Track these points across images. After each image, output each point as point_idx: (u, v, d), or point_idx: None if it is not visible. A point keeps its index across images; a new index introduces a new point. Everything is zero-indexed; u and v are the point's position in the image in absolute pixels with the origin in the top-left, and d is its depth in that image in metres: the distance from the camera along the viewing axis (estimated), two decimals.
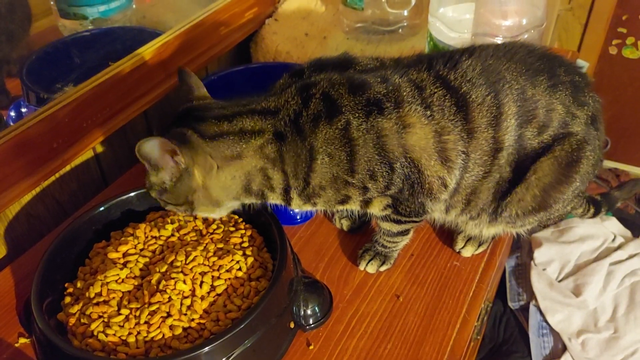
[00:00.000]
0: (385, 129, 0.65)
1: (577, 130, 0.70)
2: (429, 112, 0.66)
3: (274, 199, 0.71)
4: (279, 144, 0.66)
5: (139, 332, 0.64)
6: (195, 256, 0.71)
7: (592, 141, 0.71)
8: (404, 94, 0.66)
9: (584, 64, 1.76)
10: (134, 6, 1.16)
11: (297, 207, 0.72)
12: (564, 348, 1.20)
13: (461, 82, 0.67)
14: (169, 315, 0.65)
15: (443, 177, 0.68)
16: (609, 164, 1.93)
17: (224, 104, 0.70)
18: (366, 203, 0.72)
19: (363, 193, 0.69)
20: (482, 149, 0.68)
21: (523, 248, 1.36)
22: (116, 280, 0.69)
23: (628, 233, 1.37)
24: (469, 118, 0.66)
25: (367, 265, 0.80)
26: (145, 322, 0.64)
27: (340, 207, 0.73)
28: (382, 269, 0.80)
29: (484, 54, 0.70)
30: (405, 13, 1.22)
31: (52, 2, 1.08)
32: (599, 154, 0.74)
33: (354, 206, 0.73)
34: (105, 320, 0.65)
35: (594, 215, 0.97)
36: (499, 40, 0.97)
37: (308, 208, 0.73)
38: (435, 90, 0.67)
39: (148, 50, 0.99)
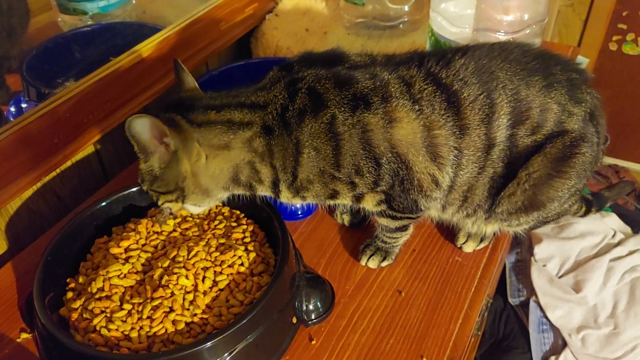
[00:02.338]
0: (371, 124, 0.65)
1: (574, 127, 0.70)
2: (417, 107, 0.66)
3: (263, 191, 0.72)
4: (268, 138, 0.67)
5: (141, 327, 0.64)
6: (198, 251, 0.71)
7: (590, 138, 0.71)
8: (392, 89, 0.66)
9: (584, 60, 1.76)
10: (133, 1, 1.16)
11: (287, 199, 0.72)
12: (564, 344, 1.20)
13: (453, 80, 0.67)
14: (171, 310, 0.65)
15: (433, 174, 0.68)
16: (608, 160, 1.93)
17: (213, 95, 0.71)
18: (358, 198, 0.72)
19: (351, 189, 0.69)
20: (475, 145, 0.68)
21: (523, 244, 1.36)
22: (118, 276, 0.69)
23: (628, 229, 1.37)
24: (461, 115, 0.66)
25: (368, 260, 0.80)
26: (148, 317, 0.64)
27: (331, 202, 0.73)
28: (384, 264, 0.80)
29: (477, 54, 0.70)
30: (406, 8, 1.22)
31: None
32: (597, 150, 0.74)
33: (345, 201, 0.73)
34: (108, 315, 0.65)
35: (585, 214, 0.98)
36: (500, 36, 0.96)
37: (297, 201, 0.73)
38: (425, 86, 0.67)
39: (148, 46, 0.99)
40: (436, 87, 0.67)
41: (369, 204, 0.73)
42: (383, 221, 0.76)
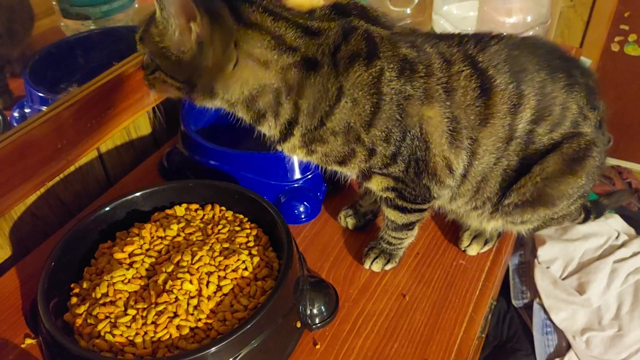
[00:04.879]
0: (411, 93, 0.64)
1: (588, 131, 0.71)
2: (451, 94, 0.65)
3: (268, 129, 0.67)
4: (305, 72, 0.62)
5: (146, 333, 0.64)
6: (202, 256, 0.71)
7: (599, 144, 0.72)
8: (434, 64, 0.65)
9: (586, 61, 1.76)
10: (136, 5, 1.15)
11: (289, 149, 0.68)
12: (568, 346, 1.20)
13: (488, 66, 0.67)
14: (175, 315, 0.65)
15: (448, 157, 0.68)
16: (611, 161, 1.93)
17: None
18: (366, 175, 0.70)
19: (368, 157, 0.67)
20: (497, 135, 0.68)
21: (527, 246, 1.35)
22: (122, 281, 0.69)
23: (632, 230, 1.37)
24: (490, 103, 0.66)
25: (372, 263, 0.80)
26: (152, 323, 0.64)
27: (337, 167, 0.70)
28: (388, 267, 0.80)
29: (510, 43, 0.69)
30: (408, 11, 1.22)
31: (54, 2, 1.08)
32: (604, 157, 0.75)
33: (352, 171, 0.70)
34: (112, 320, 0.65)
35: (584, 221, 0.98)
36: None
37: (300, 155, 0.69)
38: (464, 68, 0.66)
39: None
40: (473, 70, 0.66)
41: (375, 186, 0.72)
42: (391, 215, 0.76)
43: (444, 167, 0.69)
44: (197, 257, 0.70)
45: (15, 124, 0.93)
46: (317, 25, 0.64)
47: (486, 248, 0.83)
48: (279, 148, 0.69)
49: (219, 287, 0.68)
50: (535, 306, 1.24)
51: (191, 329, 0.64)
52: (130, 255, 0.73)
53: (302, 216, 0.88)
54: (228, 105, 0.66)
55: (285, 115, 0.65)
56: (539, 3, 1.03)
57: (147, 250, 0.74)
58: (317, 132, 0.65)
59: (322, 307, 0.72)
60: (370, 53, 0.63)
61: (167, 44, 0.61)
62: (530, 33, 0.99)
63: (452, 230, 0.86)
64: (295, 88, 0.63)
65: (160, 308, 0.65)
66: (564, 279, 1.28)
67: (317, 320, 0.71)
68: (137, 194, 0.79)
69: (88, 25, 1.08)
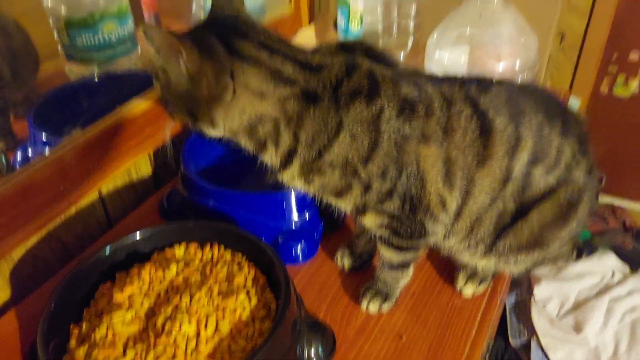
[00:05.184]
0: (409, 133, 0.66)
1: (580, 175, 0.73)
2: (450, 134, 0.67)
3: (270, 158, 0.69)
4: (304, 104, 0.64)
5: None
6: (200, 297, 0.71)
7: (591, 188, 0.74)
8: (435, 104, 0.67)
9: (576, 102, 1.80)
10: (139, 50, 1.19)
11: (289, 178, 0.70)
12: None
13: (488, 107, 0.68)
14: (174, 357, 0.65)
15: (442, 195, 0.69)
16: (605, 199, 1.95)
17: (269, 34, 0.67)
18: (360, 210, 0.72)
19: (364, 192, 0.69)
20: (494, 176, 0.69)
21: (522, 284, 1.36)
22: (121, 323, 0.70)
23: (626, 269, 1.38)
24: (489, 144, 0.68)
25: (368, 304, 0.81)
26: None
27: (333, 200, 0.72)
28: (384, 308, 0.81)
29: (510, 87, 0.72)
30: (402, 56, 1.26)
31: (59, 46, 1.11)
32: (595, 200, 0.77)
33: (348, 205, 0.72)
34: None
35: (576, 259, 1.00)
36: None
37: (299, 184, 0.71)
38: (464, 108, 0.68)
39: (154, 94, 1.02)
40: (474, 111, 0.68)
41: (370, 222, 0.73)
42: (387, 253, 0.77)
43: (437, 204, 0.70)
44: (195, 299, 0.71)
45: (18, 166, 0.95)
46: (319, 60, 0.67)
47: (481, 287, 0.84)
48: (279, 177, 0.71)
49: (217, 329, 0.69)
50: (533, 345, 1.24)
51: None
52: (130, 296, 0.74)
53: (300, 257, 0.89)
54: (232, 134, 0.69)
55: (285, 145, 0.67)
56: (528, 48, 1.07)
57: (146, 291, 0.75)
58: (315, 163, 0.67)
59: (320, 348, 0.72)
60: (372, 91, 0.65)
61: (168, 78, 0.65)
62: (519, 77, 1.02)
63: (447, 270, 0.87)
64: (294, 119, 0.65)
65: (159, 350, 0.66)
66: (560, 318, 1.28)
67: None
68: (137, 236, 0.81)
69: (92, 70, 1.11)
